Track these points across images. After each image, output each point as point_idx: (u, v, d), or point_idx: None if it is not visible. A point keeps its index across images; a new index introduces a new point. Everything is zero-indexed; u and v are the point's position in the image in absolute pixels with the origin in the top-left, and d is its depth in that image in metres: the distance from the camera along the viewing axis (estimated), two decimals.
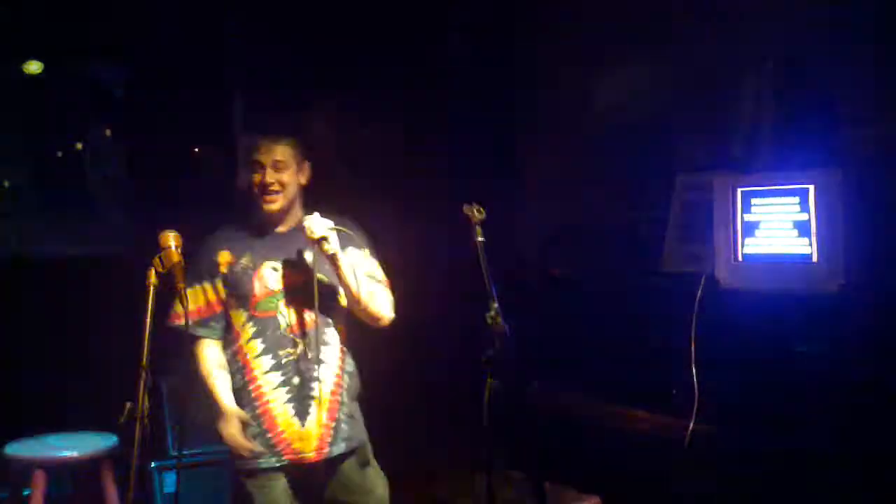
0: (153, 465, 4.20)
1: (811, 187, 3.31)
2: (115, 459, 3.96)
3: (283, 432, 2.94)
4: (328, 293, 3.02)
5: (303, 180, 3.10)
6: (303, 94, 5.29)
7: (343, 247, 2.97)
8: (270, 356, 2.95)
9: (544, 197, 5.23)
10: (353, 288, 2.95)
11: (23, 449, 3.87)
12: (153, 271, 2.56)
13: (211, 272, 3.01)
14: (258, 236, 3.05)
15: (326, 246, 2.87)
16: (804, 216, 3.34)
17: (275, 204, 3.00)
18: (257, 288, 2.98)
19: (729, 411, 3.42)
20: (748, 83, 3.99)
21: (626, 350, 3.95)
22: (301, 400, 2.95)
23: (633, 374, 3.84)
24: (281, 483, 2.97)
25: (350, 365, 3.13)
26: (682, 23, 4.36)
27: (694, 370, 3.44)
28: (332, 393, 3.01)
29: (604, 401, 3.84)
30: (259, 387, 2.96)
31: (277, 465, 2.95)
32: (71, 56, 4.87)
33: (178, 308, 2.92)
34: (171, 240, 2.62)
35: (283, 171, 3.00)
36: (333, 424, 3.00)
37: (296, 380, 2.95)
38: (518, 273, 5.03)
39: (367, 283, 3.02)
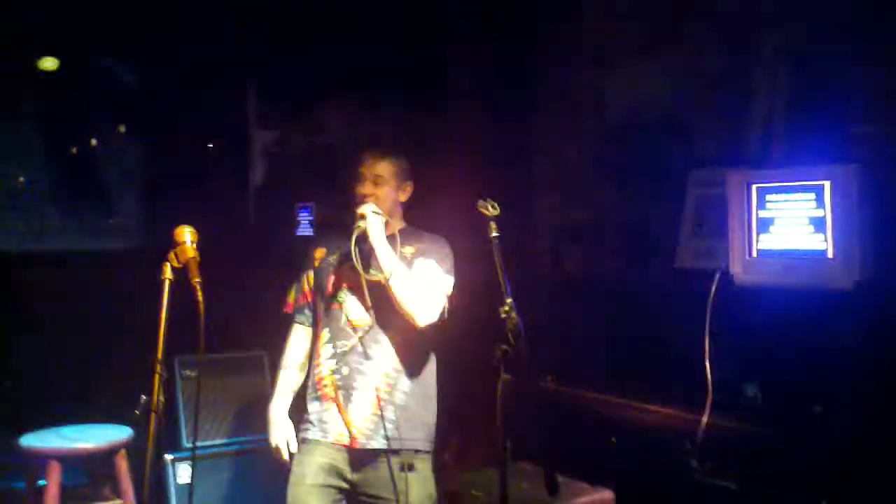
0: (168, 456, 4.22)
1: (827, 183, 3.29)
2: (129, 451, 3.99)
3: (329, 414, 3.17)
4: (383, 293, 3.15)
5: (402, 198, 3.37)
6: (314, 92, 5.31)
7: (418, 256, 3.25)
8: (331, 345, 3.21)
9: (557, 193, 5.22)
10: (385, 270, 3.10)
11: (38, 440, 3.90)
12: (168, 266, 2.58)
13: (308, 265, 3.37)
14: (347, 238, 3.20)
15: (361, 222, 3.12)
16: (820, 212, 3.32)
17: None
18: (332, 282, 3.26)
19: (743, 406, 3.42)
20: (762, 79, 3.98)
21: (639, 345, 3.95)
22: (347, 389, 3.16)
23: (647, 369, 3.84)
24: (317, 459, 3.15)
25: (414, 369, 3.24)
26: (695, 20, 4.36)
27: (708, 365, 3.43)
28: (378, 389, 3.15)
29: (617, 395, 3.84)
30: (320, 371, 3.23)
31: (321, 438, 3.16)
32: (86, 53, 4.89)
33: (290, 297, 3.42)
34: (187, 235, 2.64)
35: (381, 186, 3.27)
36: (375, 419, 3.12)
37: (345, 370, 3.17)
38: (531, 269, 5.04)
39: (409, 276, 3.15)
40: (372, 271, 3.16)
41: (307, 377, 3.33)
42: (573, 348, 4.28)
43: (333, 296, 3.26)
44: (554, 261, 5.03)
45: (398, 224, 3.36)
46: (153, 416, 2.38)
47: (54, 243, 4.81)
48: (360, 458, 3.15)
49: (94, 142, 5.01)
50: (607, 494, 3.77)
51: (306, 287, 3.39)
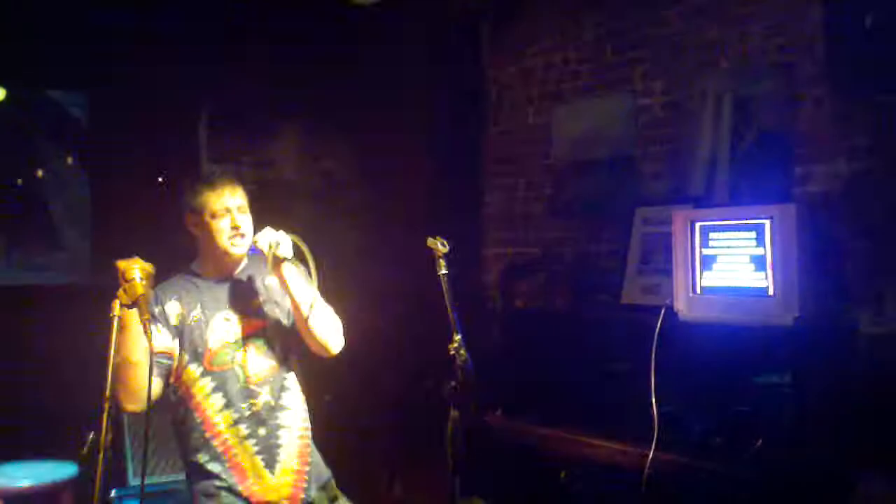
0: (114, 493, 4.16)
1: (767, 222, 3.39)
2: (74, 489, 3.92)
3: (253, 484, 2.83)
4: (284, 334, 2.97)
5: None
6: (264, 122, 5.32)
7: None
8: (233, 410, 2.83)
9: (507, 229, 5.29)
10: (306, 305, 2.85)
11: None
12: (117, 303, 2.56)
13: (159, 320, 2.84)
14: (207, 287, 2.95)
15: (280, 252, 2.82)
16: (760, 250, 3.42)
17: (241, 248, 2.93)
18: (211, 342, 2.87)
19: (688, 441, 3.47)
20: (705, 121, 4.09)
21: (586, 380, 4.00)
22: (269, 450, 2.86)
23: (594, 404, 3.89)
24: None
25: (304, 403, 3.04)
26: (643, 60, 4.47)
27: (654, 400, 3.48)
28: (301, 437, 2.95)
29: (566, 430, 3.87)
30: (225, 440, 2.84)
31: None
32: (31, 81, 4.84)
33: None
34: (136, 272, 2.60)
35: (245, 214, 2.95)
36: (307, 469, 2.94)
37: (262, 431, 2.86)
38: (481, 305, 5.09)
39: (320, 302, 2.91)
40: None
41: (192, 442, 2.87)
42: (522, 382, 4.31)
43: (218, 357, 2.86)
44: (503, 296, 5.08)
45: (245, 257, 3.05)
46: (101, 453, 2.35)
47: None
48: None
49: (40, 173, 4.94)
50: None
51: (159, 342, 2.78)
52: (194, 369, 2.85)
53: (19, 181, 4.90)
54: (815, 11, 3.68)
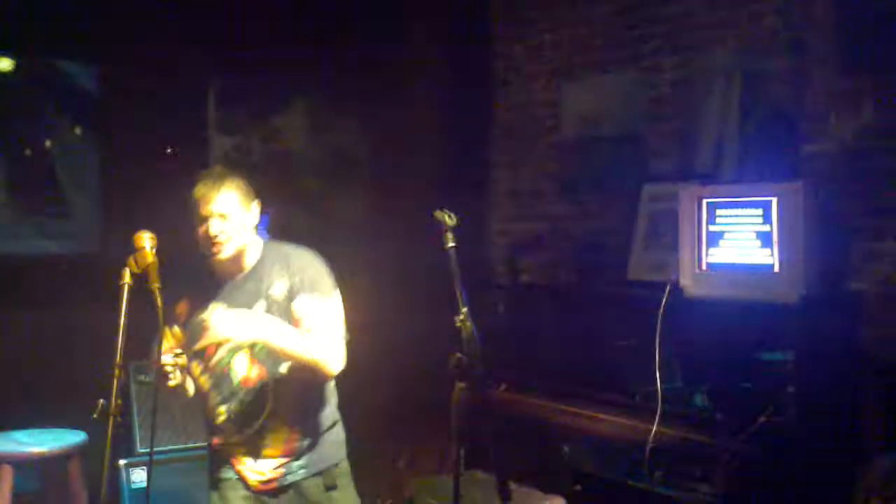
0: (122, 461, 4.21)
1: (774, 199, 3.39)
2: (83, 455, 3.97)
3: (242, 468, 2.98)
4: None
5: (253, 221, 2.96)
6: (272, 95, 5.32)
7: (294, 294, 2.90)
8: (226, 405, 2.94)
9: (514, 204, 5.30)
10: (298, 359, 2.85)
11: None
12: (127, 271, 2.58)
13: (170, 320, 2.91)
14: (213, 287, 2.96)
15: (241, 342, 2.83)
16: (766, 227, 3.42)
17: (224, 254, 2.88)
18: (208, 352, 2.93)
19: (692, 416, 3.49)
20: (714, 98, 4.09)
21: (591, 355, 4.02)
22: (256, 443, 2.94)
23: (599, 379, 3.91)
24: (240, 493, 2.98)
25: (314, 400, 3.04)
26: (652, 37, 4.45)
27: (658, 375, 3.50)
28: (290, 435, 2.97)
29: (569, 404, 3.90)
30: (221, 429, 2.98)
31: (241, 485, 2.98)
32: (41, 53, 4.85)
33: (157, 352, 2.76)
34: (146, 241, 2.63)
35: (228, 221, 2.85)
36: (286, 461, 2.97)
37: (253, 426, 2.93)
38: (487, 280, 5.10)
39: (310, 343, 2.84)
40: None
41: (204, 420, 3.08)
42: (527, 357, 4.34)
43: (216, 355, 2.94)
44: (509, 271, 5.10)
45: (256, 248, 3.00)
46: (111, 420, 2.38)
47: (7, 247, 4.75)
48: (285, 490, 3.00)
49: (48, 144, 4.96)
50: (559, 502, 3.84)
51: (168, 345, 2.87)
52: (197, 364, 2.96)
53: (28, 151, 4.92)
54: None
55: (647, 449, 3.46)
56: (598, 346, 4.00)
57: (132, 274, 2.57)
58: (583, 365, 4.04)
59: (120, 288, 2.55)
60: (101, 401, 2.44)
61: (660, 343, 3.51)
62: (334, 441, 3.13)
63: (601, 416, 3.75)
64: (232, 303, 2.92)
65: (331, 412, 3.13)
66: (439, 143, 5.12)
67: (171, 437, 4.36)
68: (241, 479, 2.99)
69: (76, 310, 4.38)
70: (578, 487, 3.85)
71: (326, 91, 5.27)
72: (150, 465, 3.80)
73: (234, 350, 2.93)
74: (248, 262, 2.99)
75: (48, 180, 4.93)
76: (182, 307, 2.98)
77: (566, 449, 3.94)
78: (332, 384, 3.10)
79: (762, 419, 3.29)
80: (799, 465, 3.21)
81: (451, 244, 2.84)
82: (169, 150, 5.17)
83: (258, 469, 2.97)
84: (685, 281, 3.64)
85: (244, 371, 2.93)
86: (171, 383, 2.79)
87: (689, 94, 4.26)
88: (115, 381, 2.41)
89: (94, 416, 2.42)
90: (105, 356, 2.49)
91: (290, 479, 2.99)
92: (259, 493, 2.99)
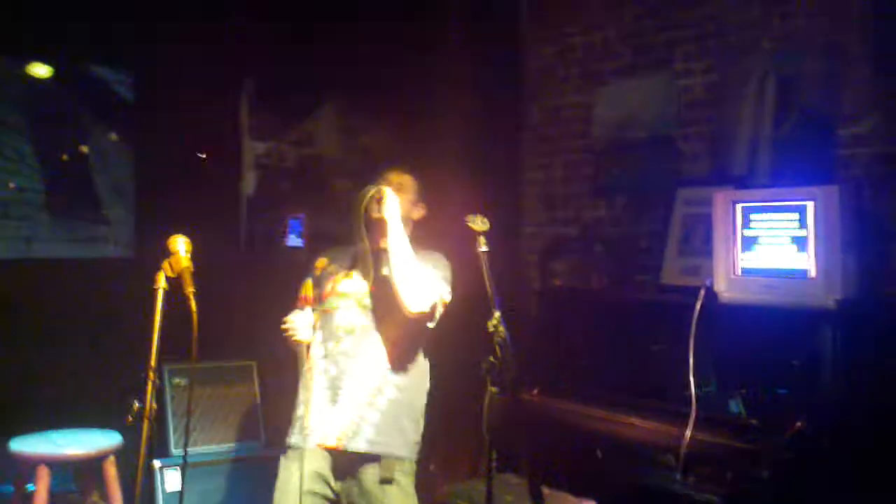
0: (157, 463, 4.24)
1: (810, 203, 3.36)
2: (118, 457, 4.01)
3: (314, 416, 3.19)
4: (385, 305, 3.21)
5: (414, 215, 3.37)
6: (304, 99, 5.35)
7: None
8: (323, 347, 3.25)
9: (546, 208, 5.28)
10: (395, 255, 3.11)
11: (27, 445, 3.91)
12: (162, 275, 2.61)
13: (308, 273, 3.38)
14: (356, 253, 3.32)
15: (381, 206, 3.14)
16: (802, 232, 3.39)
17: (380, 213, 3.18)
18: (328, 288, 3.31)
19: (726, 421, 3.46)
20: (748, 101, 4.05)
21: (625, 359, 4.00)
22: (334, 389, 3.19)
23: (632, 383, 3.89)
24: (302, 465, 3.13)
25: (402, 378, 3.25)
26: (685, 40, 4.43)
27: (692, 380, 3.48)
28: (364, 392, 3.18)
29: (602, 408, 3.87)
30: (310, 369, 3.26)
31: (305, 444, 3.16)
32: (78, 59, 4.91)
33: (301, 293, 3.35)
34: (181, 244, 2.66)
35: (401, 193, 3.26)
36: (357, 420, 3.15)
37: (333, 370, 3.20)
38: (519, 283, 5.09)
39: (412, 257, 3.15)
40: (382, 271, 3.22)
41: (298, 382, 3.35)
42: (559, 361, 4.32)
43: (328, 301, 3.29)
44: (542, 275, 5.09)
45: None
46: (146, 422, 2.41)
47: (44, 251, 4.81)
48: (342, 464, 3.17)
49: (84, 149, 5.02)
50: None
51: (305, 292, 3.37)
52: (317, 309, 3.33)
53: (64, 157, 4.98)
54: None
55: (681, 454, 3.43)
56: (631, 351, 3.97)
57: (167, 278, 2.60)
58: (616, 369, 4.01)
59: (155, 292, 2.58)
60: (136, 403, 2.47)
61: (694, 348, 3.49)
62: (404, 430, 3.24)
63: (634, 420, 3.72)
64: (362, 266, 3.29)
65: (411, 401, 3.30)
66: (471, 146, 5.11)
67: (205, 440, 4.40)
68: (305, 444, 3.15)
69: (111, 313, 4.43)
70: (611, 492, 3.83)
71: (358, 95, 5.29)
72: (185, 467, 3.83)
73: (345, 297, 3.28)
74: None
75: (84, 185, 4.99)
76: (321, 262, 3.39)
77: (599, 453, 3.91)
78: (423, 382, 3.38)
79: (798, 425, 3.25)
80: (835, 472, 3.17)
81: (483, 248, 2.85)
82: (203, 156, 5.22)
83: (329, 416, 3.15)
84: (719, 286, 3.61)
85: (347, 317, 3.25)
86: (298, 338, 3.20)
87: (722, 96, 4.23)
88: (149, 384, 2.43)
89: (130, 418, 2.45)
90: (140, 359, 2.52)
91: (353, 446, 3.14)
92: (323, 457, 3.17)
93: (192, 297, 2.56)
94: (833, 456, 3.18)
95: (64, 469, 4.03)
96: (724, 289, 3.60)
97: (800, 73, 3.87)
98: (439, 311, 3.24)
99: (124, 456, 4.01)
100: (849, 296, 3.27)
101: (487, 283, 2.80)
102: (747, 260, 3.57)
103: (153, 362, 2.46)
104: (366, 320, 3.24)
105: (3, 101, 4.72)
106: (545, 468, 3.99)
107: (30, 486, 3.88)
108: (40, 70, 4.85)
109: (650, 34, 4.62)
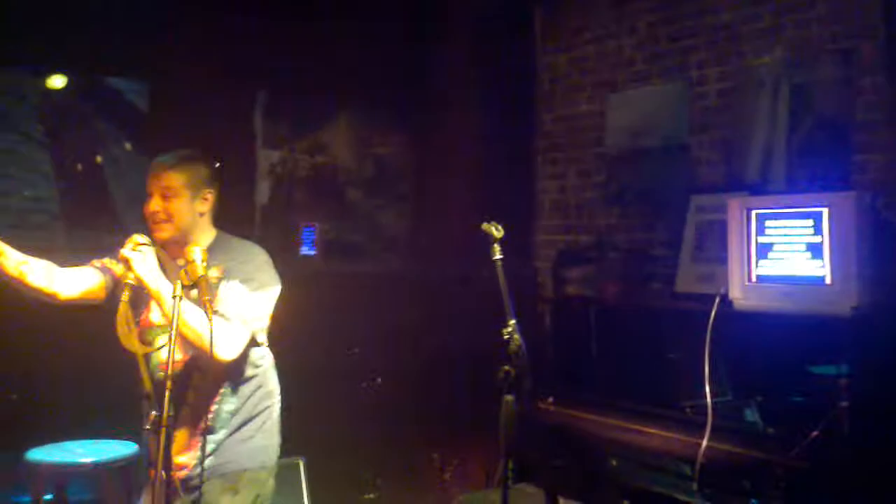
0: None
1: (825, 210, 3.35)
2: (134, 467, 4.02)
3: (152, 454, 2.74)
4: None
5: (200, 208, 2.92)
6: (317, 109, 5.37)
7: (220, 281, 2.82)
8: (151, 381, 2.77)
9: (560, 216, 5.28)
10: (167, 311, 2.68)
11: (44, 455, 3.93)
12: (178, 284, 2.62)
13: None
14: (169, 263, 2.88)
15: (133, 267, 2.71)
16: (818, 238, 3.38)
17: (163, 233, 2.86)
18: (143, 319, 2.93)
19: (742, 430, 3.45)
20: (762, 108, 4.05)
21: (640, 367, 3.99)
22: (168, 425, 2.60)
23: (647, 392, 3.88)
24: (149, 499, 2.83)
25: (232, 401, 2.91)
26: (697, 48, 4.43)
27: (707, 389, 3.47)
28: (198, 425, 2.87)
29: (618, 418, 3.87)
30: (145, 408, 2.81)
31: (151, 479, 2.76)
32: (92, 70, 4.94)
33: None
34: (197, 254, 2.67)
35: (172, 200, 2.84)
36: (192, 454, 2.86)
37: (163, 406, 2.69)
38: (533, 291, 5.09)
39: (194, 314, 2.69)
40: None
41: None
42: (574, 370, 4.31)
43: (144, 334, 2.91)
44: (555, 283, 5.08)
45: (205, 237, 2.94)
46: (163, 431, 2.42)
47: (58, 259, 4.84)
48: (189, 488, 2.86)
49: (99, 159, 5.05)
50: None
51: (106, 263, 3.01)
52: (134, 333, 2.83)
53: (80, 166, 5.01)
54: None
55: (697, 463, 3.42)
56: (646, 359, 3.96)
57: (183, 286, 2.61)
58: (631, 378, 4.00)
59: (172, 300, 2.59)
60: (154, 412, 2.48)
61: (709, 356, 3.47)
62: (249, 440, 2.96)
63: (650, 429, 3.71)
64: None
65: (254, 407, 2.97)
66: (484, 155, 5.12)
67: None
68: (152, 480, 2.75)
69: None
70: (626, 502, 3.82)
71: (371, 105, 5.31)
72: (202, 474, 3.83)
73: (158, 330, 2.89)
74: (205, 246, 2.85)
75: (99, 195, 5.02)
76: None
77: (614, 463, 3.90)
78: (265, 382, 3.00)
79: (814, 434, 3.24)
80: (852, 481, 3.15)
81: (497, 256, 2.84)
82: (217, 165, 5.23)
83: (171, 451, 2.79)
84: (734, 293, 3.60)
85: (165, 352, 2.70)
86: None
87: (735, 104, 4.23)
88: (167, 393, 2.44)
89: (147, 427, 2.46)
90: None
91: (196, 471, 2.81)
92: (169, 488, 2.78)
93: (209, 305, 2.57)
94: (850, 465, 3.16)
95: (82, 479, 4.04)
96: (740, 296, 3.59)
97: (814, 79, 3.86)
98: (261, 336, 2.95)
99: (141, 465, 4.02)
100: (865, 303, 3.26)
101: (502, 291, 2.80)
102: (762, 267, 3.56)
103: (170, 371, 2.47)
104: (184, 354, 2.84)
105: (19, 112, 4.76)
106: (561, 478, 3.98)
107: (47, 496, 3.89)
108: (56, 81, 4.88)
109: (663, 42, 4.62)
